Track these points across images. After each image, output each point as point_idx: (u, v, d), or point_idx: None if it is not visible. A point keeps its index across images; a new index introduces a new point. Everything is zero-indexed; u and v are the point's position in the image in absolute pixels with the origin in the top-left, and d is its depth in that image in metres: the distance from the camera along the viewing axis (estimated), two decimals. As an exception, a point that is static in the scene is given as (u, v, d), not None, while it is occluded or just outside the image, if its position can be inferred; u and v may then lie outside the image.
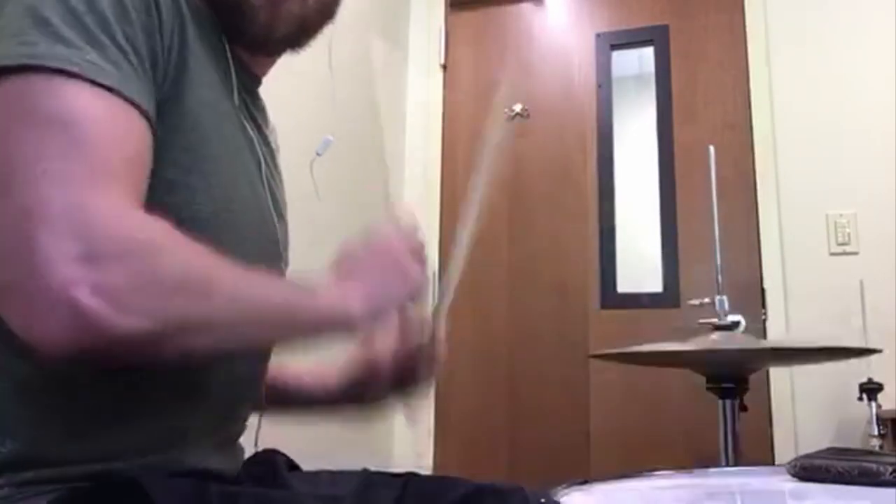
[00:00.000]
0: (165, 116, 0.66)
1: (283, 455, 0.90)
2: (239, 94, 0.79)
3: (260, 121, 0.86)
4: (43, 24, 0.58)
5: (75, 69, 0.58)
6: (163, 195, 0.65)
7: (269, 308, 0.64)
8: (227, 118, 0.75)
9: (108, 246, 0.54)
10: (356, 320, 0.69)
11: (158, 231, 0.59)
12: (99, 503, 0.61)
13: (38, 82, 0.57)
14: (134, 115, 0.61)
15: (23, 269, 0.53)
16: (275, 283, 0.66)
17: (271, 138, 0.90)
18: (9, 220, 0.54)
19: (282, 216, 0.86)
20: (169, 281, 0.57)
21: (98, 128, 0.58)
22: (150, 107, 0.63)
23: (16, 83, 0.57)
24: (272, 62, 0.88)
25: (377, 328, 0.75)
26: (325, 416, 1.00)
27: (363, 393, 0.92)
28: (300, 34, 0.82)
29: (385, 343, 0.88)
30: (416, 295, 0.78)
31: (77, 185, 0.55)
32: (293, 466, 0.91)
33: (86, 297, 0.52)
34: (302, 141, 1.55)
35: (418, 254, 0.79)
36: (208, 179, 0.69)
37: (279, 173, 0.90)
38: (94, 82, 0.58)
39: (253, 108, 0.84)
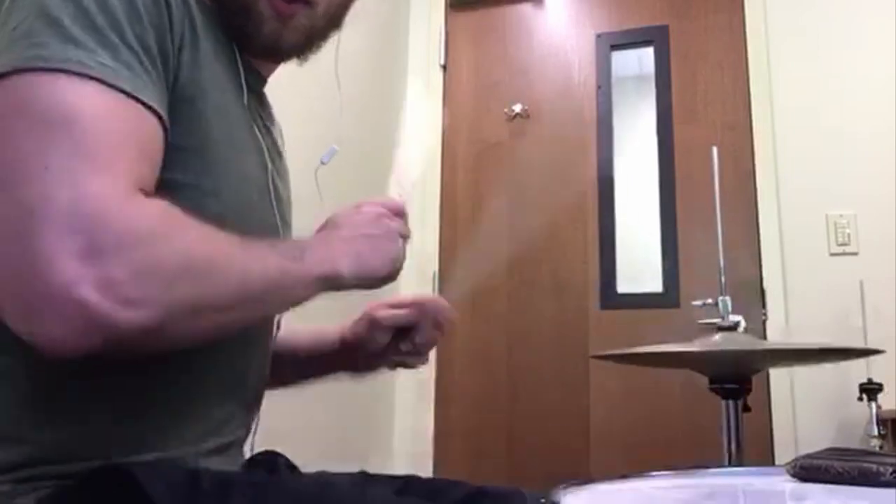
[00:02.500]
0: (176, 117, 0.66)
1: (283, 456, 0.90)
2: (247, 93, 0.79)
3: (266, 121, 0.86)
4: (54, 24, 0.58)
5: (86, 71, 0.58)
6: (172, 197, 0.65)
7: (268, 280, 0.65)
8: (237, 121, 0.76)
9: (109, 239, 0.54)
10: (344, 278, 0.71)
11: (159, 217, 0.59)
12: (91, 493, 0.60)
13: (48, 84, 0.57)
14: (143, 113, 0.61)
15: (26, 270, 0.52)
16: (270, 252, 0.67)
17: (278, 140, 0.90)
18: (11, 217, 0.54)
19: (286, 221, 0.86)
20: (171, 268, 0.57)
21: (102, 124, 0.58)
22: (161, 106, 0.63)
23: (26, 84, 0.57)
24: (279, 64, 0.88)
25: (364, 286, 0.76)
26: (321, 377, 1.01)
27: (362, 350, 0.95)
28: (307, 44, 0.82)
29: (383, 303, 0.94)
30: (400, 256, 0.79)
31: (79, 180, 0.55)
32: (292, 467, 0.91)
33: (91, 295, 0.52)
34: (306, 146, 1.55)
35: (403, 219, 0.81)
36: (217, 182, 0.69)
37: (286, 174, 0.90)
38: (104, 83, 0.59)
39: (260, 109, 0.84)
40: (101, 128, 0.58)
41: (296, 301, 0.71)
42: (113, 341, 0.54)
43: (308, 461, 0.92)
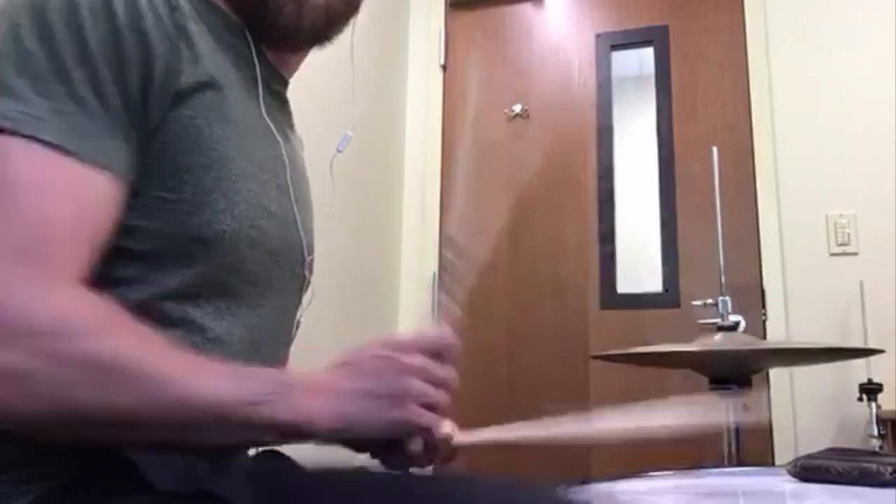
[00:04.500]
0: (178, 138, 0.65)
1: (285, 456, 0.90)
2: (265, 99, 0.77)
3: (286, 127, 0.84)
4: None
5: (19, 127, 0.56)
6: (185, 216, 0.64)
7: (201, 408, 0.57)
8: (253, 132, 0.74)
9: (15, 329, 0.54)
10: (320, 433, 0.62)
11: (77, 311, 0.57)
12: (91, 483, 0.60)
13: None
14: (84, 173, 0.58)
15: None
16: (222, 383, 0.58)
17: (298, 150, 0.88)
18: None
19: (307, 224, 0.83)
20: (76, 367, 0.54)
21: (33, 194, 0.56)
22: (104, 153, 0.60)
23: None
24: (299, 61, 0.87)
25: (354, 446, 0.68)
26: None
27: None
28: (327, 25, 0.80)
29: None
30: (410, 418, 0.65)
31: None
32: (294, 467, 0.91)
33: None
34: (318, 138, 1.54)
35: (435, 378, 0.67)
36: (232, 198, 0.67)
37: (306, 181, 0.87)
38: (39, 141, 0.56)
39: (279, 114, 0.82)
40: (30, 200, 0.55)
41: (243, 437, 0.62)
42: (8, 423, 0.55)
43: (308, 460, 0.92)
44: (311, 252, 0.83)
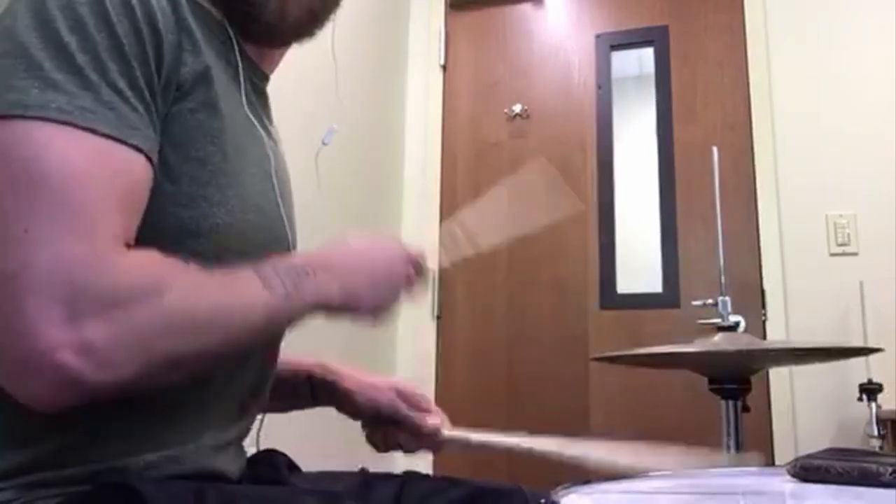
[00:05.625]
0: (182, 131, 0.66)
1: (284, 455, 0.90)
2: (248, 95, 0.78)
3: (267, 122, 0.85)
4: (34, 67, 0.58)
5: (66, 118, 0.57)
6: (181, 209, 0.65)
7: (254, 325, 0.65)
8: (240, 125, 0.75)
9: (88, 305, 0.55)
10: (332, 308, 0.71)
11: (140, 275, 0.59)
12: None
13: (27, 134, 0.57)
14: (128, 155, 0.61)
15: (10, 334, 0.55)
16: (259, 291, 0.65)
17: (278, 142, 0.90)
18: None
19: (291, 217, 0.85)
20: (151, 328, 0.58)
21: (83, 179, 0.58)
22: (148, 143, 0.62)
23: (3, 133, 0.57)
24: (280, 56, 0.87)
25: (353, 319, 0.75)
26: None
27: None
28: (310, 21, 0.81)
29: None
30: (395, 305, 0.77)
31: (59, 245, 0.55)
32: (292, 466, 0.91)
33: (71, 360, 0.54)
34: (304, 132, 1.55)
35: (415, 269, 0.80)
36: (224, 192, 0.69)
37: (288, 174, 0.89)
38: (85, 129, 0.58)
39: (261, 109, 0.84)
40: (82, 183, 0.57)
41: (283, 330, 0.74)
42: (89, 398, 0.57)
43: (308, 460, 0.92)
44: (295, 247, 0.85)
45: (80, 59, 0.59)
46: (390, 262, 0.78)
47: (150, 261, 0.61)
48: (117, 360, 0.56)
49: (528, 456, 0.87)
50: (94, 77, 0.59)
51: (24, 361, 0.55)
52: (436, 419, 0.95)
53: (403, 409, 0.94)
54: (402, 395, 0.95)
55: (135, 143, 0.61)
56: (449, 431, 0.95)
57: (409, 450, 0.96)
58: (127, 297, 0.57)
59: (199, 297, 0.62)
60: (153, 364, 0.58)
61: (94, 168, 0.58)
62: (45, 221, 0.56)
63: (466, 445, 0.93)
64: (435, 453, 0.94)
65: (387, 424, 0.94)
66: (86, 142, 0.58)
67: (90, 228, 0.57)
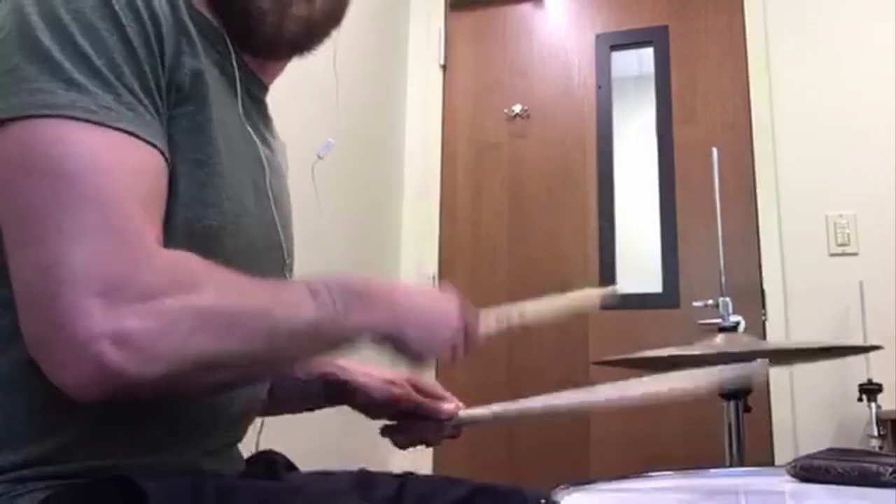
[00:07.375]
0: (181, 133, 0.66)
1: (282, 455, 0.90)
2: (245, 103, 0.78)
3: (265, 131, 0.85)
4: (55, 70, 0.59)
5: (92, 117, 0.58)
6: (178, 210, 0.65)
7: (297, 329, 0.64)
8: (236, 130, 0.75)
9: (127, 295, 0.56)
10: (376, 339, 0.70)
11: (176, 271, 0.60)
12: (93, 501, 0.60)
13: (55, 133, 0.58)
14: (149, 152, 0.62)
15: (49, 324, 0.55)
16: (305, 304, 0.64)
17: (279, 155, 0.89)
18: (30, 275, 0.57)
19: (287, 227, 0.85)
20: (189, 322, 0.58)
21: (113, 175, 0.59)
22: (162, 142, 0.64)
23: (33, 133, 0.58)
24: (280, 68, 0.87)
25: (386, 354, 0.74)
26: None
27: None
28: (308, 37, 0.81)
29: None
30: (437, 356, 0.78)
31: (93, 241, 0.56)
32: (291, 467, 0.91)
33: (108, 350, 0.54)
34: (302, 143, 1.55)
35: (467, 330, 0.81)
36: (220, 194, 0.69)
37: (285, 185, 0.89)
38: (111, 128, 0.59)
39: (258, 118, 0.84)
40: (111, 179, 0.58)
41: (324, 352, 0.73)
42: (125, 391, 0.57)
43: (308, 460, 0.92)
44: (290, 253, 0.85)
45: (97, 61, 0.60)
46: (447, 314, 0.77)
47: (185, 258, 0.61)
48: (154, 353, 0.56)
49: (552, 415, 0.90)
50: (111, 79, 0.60)
51: (63, 350, 0.55)
52: (451, 404, 0.96)
53: (420, 397, 0.94)
54: (415, 386, 0.95)
55: (154, 142, 0.62)
56: (466, 411, 0.97)
57: (431, 441, 0.97)
58: (162, 291, 0.57)
59: (238, 296, 0.62)
60: (188, 360, 0.58)
61: (123, 165, 0.59)
62: (78, 218, 0.56)
63: (488, 419, 0.95)
64: (456, 437, 0.94)
65: (407, 419, 0.94)
66: (113, 140, 0.59)
67: (123, 223, 0.58)
